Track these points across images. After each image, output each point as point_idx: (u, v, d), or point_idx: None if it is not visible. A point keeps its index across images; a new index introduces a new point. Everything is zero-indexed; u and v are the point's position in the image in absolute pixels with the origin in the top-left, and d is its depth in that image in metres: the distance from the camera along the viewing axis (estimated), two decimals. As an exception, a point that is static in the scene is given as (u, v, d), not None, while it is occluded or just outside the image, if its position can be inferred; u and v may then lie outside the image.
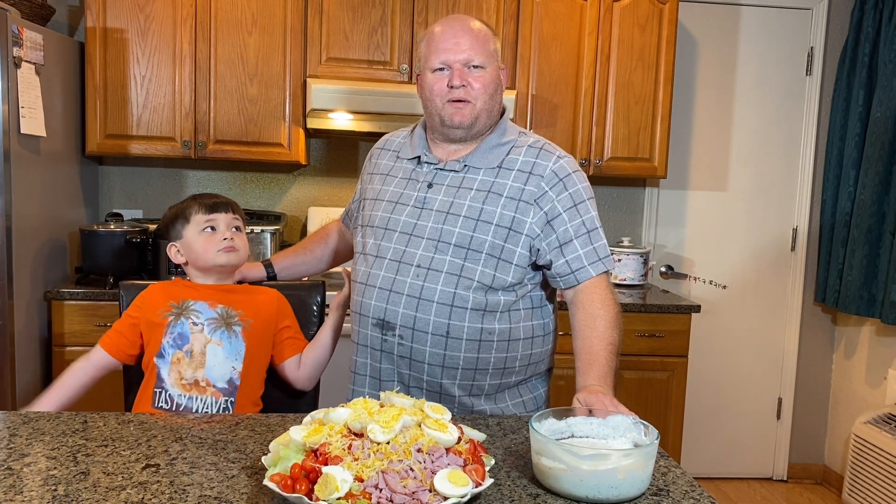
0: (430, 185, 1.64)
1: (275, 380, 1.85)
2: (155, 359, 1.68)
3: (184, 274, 1.84)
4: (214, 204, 1.75)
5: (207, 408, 1.67)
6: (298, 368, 1.80)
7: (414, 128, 1.76)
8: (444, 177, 1.64)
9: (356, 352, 1.68)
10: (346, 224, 1.95)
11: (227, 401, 1.68)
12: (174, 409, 1.66)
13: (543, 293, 1.67)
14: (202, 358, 1.67)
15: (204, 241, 1.72)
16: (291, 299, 1.85)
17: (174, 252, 1.76)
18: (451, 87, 1.59)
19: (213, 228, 1.73)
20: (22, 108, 2.54)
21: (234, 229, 1.76)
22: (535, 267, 1.62)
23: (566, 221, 1.58)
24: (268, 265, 1.94)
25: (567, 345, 1.65)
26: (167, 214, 1.79)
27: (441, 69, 1.61)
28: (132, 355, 1.75)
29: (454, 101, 1.60)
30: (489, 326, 1.57)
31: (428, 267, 1.57)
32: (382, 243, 1.63)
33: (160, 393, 1.67)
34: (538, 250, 1.59)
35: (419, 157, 1.68)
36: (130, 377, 1.83)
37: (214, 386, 1.67)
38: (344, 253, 1.99)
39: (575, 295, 1.60)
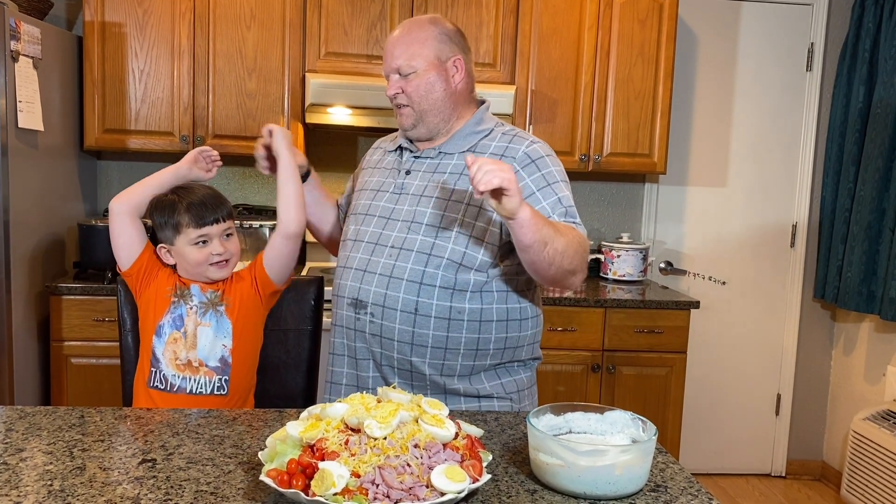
0: (408, 172, 1.70)
1: (271, 376, 1.85)
2: (153, 337, 1.69)
3: None
4: (206, 217, 1.69)
5: (201, 388, 1.67)
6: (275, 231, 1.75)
7: None
8: (421, 163, 1.70)
9: (333, 333, 1.72)
10: (340, 205, 2.02)
11: (220, 379, 1.69)
12: (168, 389, 1.67)
13: (520, 278, 1.65)
14: (194, 339, 1.69)
15: (196, 256, 1.70)
16: (288, 293, 1.85)
17: (164, 253, 1.74)
18: (391, 96, 1.68)
19: (204, 242, 1.71)
20: (20, 102, 2.53)
21: (225, 237, 1.73)
22: (510, 249, 1.58)
23: (541, 200, 1.59)
24: (306, 171, 1.88)
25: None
26: (155, 213, 1.72)
27: (387, 78, 1.70)
28: (135, 254, 1.72)
29: (398, 106, 1.68)
30: (459, 305, 1.58)
31: (400, 247, 1.61)
32: (362, 227, 1.69)
33: (156, 373, 1.68)
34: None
35: (401, 146, 1.75)
36: (128, 372, 1.83)
37: (207, 365, 1.69)
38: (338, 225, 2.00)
39: None
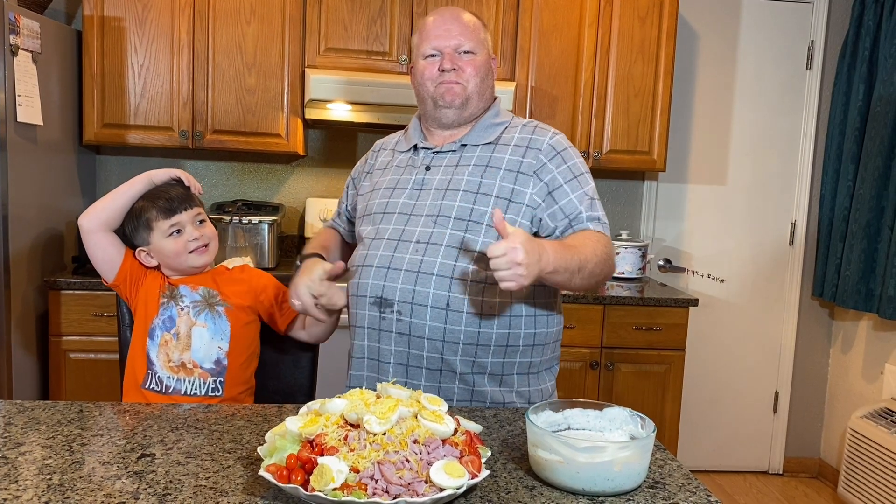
0: (427, 168, 1.67)
1: (271, 371, 1.85)
2: (147, 339, 1.69)
3: None
4: (173, 206, 1.69)
5: (196, 389, 1.67)
6: (305, 327, 1.80)
7: (406, 128, 1.79)
8: (442, 158, 1.67)
9: (354, 335, 1.65)
10: (336, 225, 1.94)
11: (215, 381, 1.68)
12: (163, 391, 1.67)
13: None
14: (188, 340, 1.68)
15: (173, 246, 1.69)
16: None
17: (144, 256, 1.73)
18: (443, 70, 1.63)
19: (178, 231, 1.70)
20: (19, 96, 2.52)
21: (198, 223, 1.73)
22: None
23: (568, 193, 1.59)
24: (319, 256, 1.78)
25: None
26: (125, 222, 1.71)
27: (433, 55, 1.65)
28: (116, 266, 1.71)
29: (446, 82, 1.64)
30: (490, 300, 1.55)
31: (427, 241, 1.57)
32: (381, 226, 1.64)
33: (151, 375, 1.68)
34: (540, 220, 1.59)
35: (415, 145, 1.71)
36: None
37: (201, 367, 1.68)
38: (348, 254, 1.91)
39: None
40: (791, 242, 3.75)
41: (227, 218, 3.00)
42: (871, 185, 3.29)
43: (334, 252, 1.88)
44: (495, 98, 1.75)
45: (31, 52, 2.60)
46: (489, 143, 1.65)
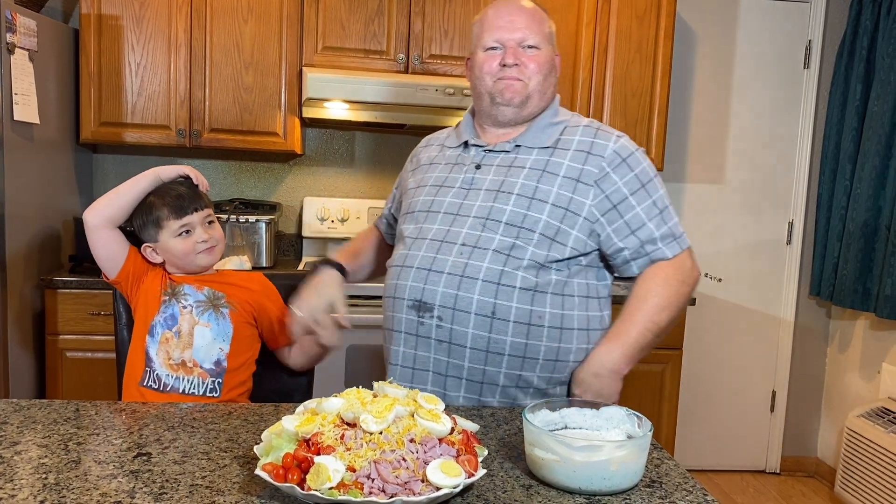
0: (478, 167, 1.57)
1: (268, 369, 1.85)
2: (147, 337, 1.69)
3: None
4: (184, 205, 1.69)
5: (194, 388, 1.67)
6: (290, 356, 1.81)
7: (458, 123, 1.71)
8: (494, 158, 1.57)
9: (389, 340, 1.56)
10: (379, 227, 1.88)
11: (213, 381, 1.68)
12: (161, 388, 1.67)
13: (598, 283, 1.57)
14: (189, 339, 1.68)
15: (182, 246, 1.69)
16: (284, 290, 1.85)
17: (150, 252, 1.73)
18: (504, 65, 1.53)
19: (188, 232, 1.70)
20: (15, 94, 2.52)
21: (207, 224, 1.73)
22: (599, 258, 1.55)
23: (634, 205, 1.50)
24: (340, 269, 1.71)
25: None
26: (134, 216, 1.71)
27: (494, 48, 1.55)
28: (119, 263, 1.70)
29: (506, 78, 1.54)
30: (539, 309, 1.46)
31: (474, 245, 1.47)
32: (424, 225, 1.55)
33: (149, 373, 1.68)
34: (599, 235, 1.51)
35: (466, 141, 1.62)
36: (123, 366, 1.82)
37: (201, 367, 1.68)
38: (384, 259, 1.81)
39: (644, 270, 1.53)
40: (788, 242, 3.76)
41: (225, 217, 3.00)
42: (868, 184, 3.29)
43: (365, 257, 1.81)
44: (554, 96, 1.65)
45: (28, 50, 2.60)
46: (547, 146, 1.54)
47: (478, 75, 1.57)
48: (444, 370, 1.49)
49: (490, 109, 1.58)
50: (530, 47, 1.54)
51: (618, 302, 1.57)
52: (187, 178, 1.75)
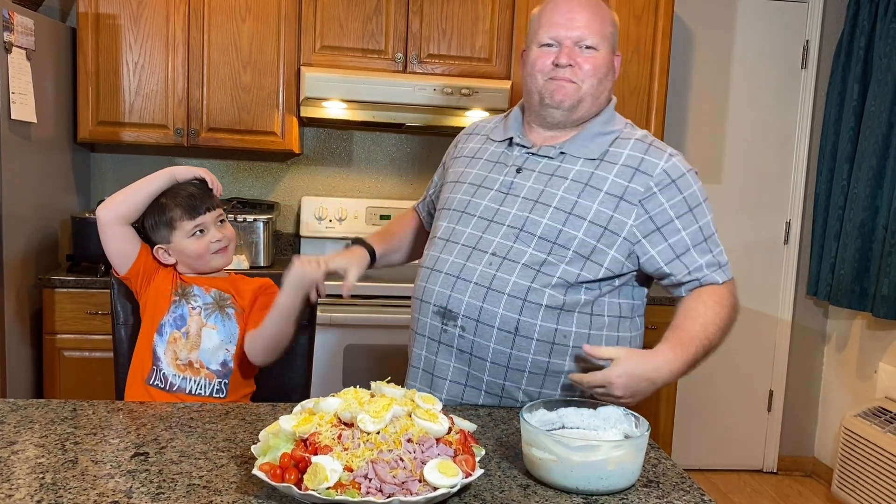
0: (518, 170, 1.50)
1: (267, 370, 1.84)
2: (155, 335, 1.69)
3: None
4: (196, 206, 1.69)
5: (201, 389, 1.67)
6: (249, 339, 1.74)
7: (508, 112, 1.64)
8: (537, 162, 1.50)
9: (413, 342, 1.53)
10: (419, 211, 1.83)
11: (220, 382, 1.69)
12: (168, 388, 1.67)
13: (633, 302, 1.52)
14: (197, 340, 1.68)
15: (195, 247, 1.70)
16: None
17: (162, 254, 1.73)
18: (557, 65, 1.46)
19: (201, 232, 1.70)
20: (13, 93, 2.52)
21: (219, 223, 1.74)
22: (635, 277, 1.50)
23: (679, 230, 1.43)
24: (370, 250, 1.68)
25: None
26: (146, 217, 1.71)
27: (549, 45, 1.48)
28: (131, 260, 1.70)
29: (558, 78, 1.46)
30: (565, 328, 1.42)
31: (504, 256, 1.42)
32: (458, 227, 1.51)
33: (156, 371, 1.68)
34: (639, 258, 1.45)
35: (511, 138, 1.55)
36: (121, 365, 1.82)
37: (208, 368, 1.68)
38: (421, 245, 1.77)
39: (694, 290, 1.47)
40: (786, 241, 3.76)
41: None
42: (865, 184, 3.30)
43: (398, 241, 1.77)
44: (611, 100, 1.56)
45: (26, 49, 2.59)
46: (594, 158, 1.47)
47: (529, 72, 1.50)
48: (464, 380, 1.47)
49: (539, 109, 1.51)
50: (588, 48, 1.46)
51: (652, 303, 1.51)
52: (202, 180, 1.75)
